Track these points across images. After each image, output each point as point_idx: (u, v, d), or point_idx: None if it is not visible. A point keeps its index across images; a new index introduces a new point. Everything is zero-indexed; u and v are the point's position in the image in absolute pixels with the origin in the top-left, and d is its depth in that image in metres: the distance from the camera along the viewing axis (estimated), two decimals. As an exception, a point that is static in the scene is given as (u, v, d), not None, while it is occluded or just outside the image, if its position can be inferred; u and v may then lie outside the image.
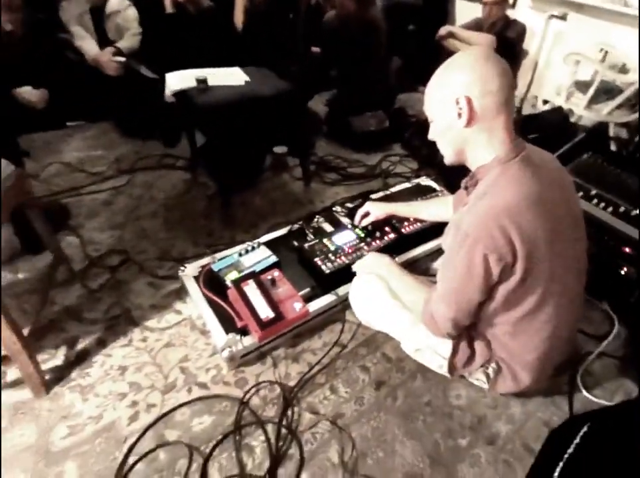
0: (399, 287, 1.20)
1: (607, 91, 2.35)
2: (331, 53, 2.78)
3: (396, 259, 1.47)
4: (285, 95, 1.80)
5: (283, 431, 1.10)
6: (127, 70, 2.52)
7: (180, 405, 1.15)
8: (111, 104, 2.51)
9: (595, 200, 1.60)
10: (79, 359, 1.26)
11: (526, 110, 3.02)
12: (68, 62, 2.55)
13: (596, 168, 1.74)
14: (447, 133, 0.97)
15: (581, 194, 1.62)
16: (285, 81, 1.85)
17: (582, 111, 2.35)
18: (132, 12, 2.65)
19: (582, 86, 2.45)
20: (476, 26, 2.87)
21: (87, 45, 2.48)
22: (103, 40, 2.56)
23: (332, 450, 1.08)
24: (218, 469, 1.03)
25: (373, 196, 1.96)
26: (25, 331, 1.13)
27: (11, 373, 1.20)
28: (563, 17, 2.82)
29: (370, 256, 1.36)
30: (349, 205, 1.89)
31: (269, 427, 1.11)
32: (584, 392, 1.24)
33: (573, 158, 1.80)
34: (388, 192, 2.00)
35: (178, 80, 1.71)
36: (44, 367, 1.20)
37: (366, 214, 1.60)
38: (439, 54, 2.93)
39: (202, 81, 1.67)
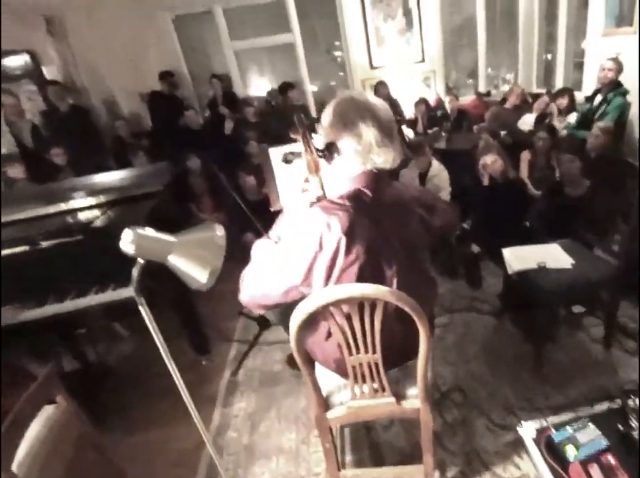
0: None
1: None
2: None
3: None
4: (611, 276, 1.95)
5: None
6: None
7: None
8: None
9: None
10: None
11: None
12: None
13: None
14: None
15: None
16: (607, 260, 2.00)
17: None
18: (446, 175, 3.26)
19: None
20: None
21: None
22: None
23: None
24: None
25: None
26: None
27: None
28: None
29: None
30: (668, 391, 1.83)
31: None
32: None
33: None
34: None
35: (519, 261, 2.06)
36: None
37: None
38: None
39: (541, 266, 1.98)
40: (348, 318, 1.15)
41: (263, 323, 2.59)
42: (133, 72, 4.71)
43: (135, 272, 0.81)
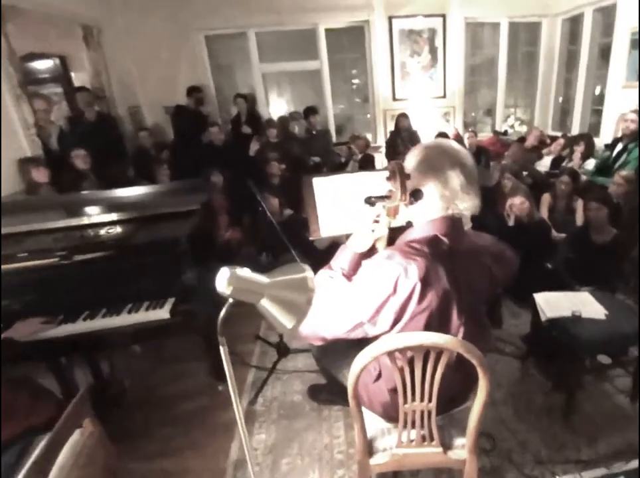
0: None
1: None
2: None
3: None
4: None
5: None
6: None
7: None
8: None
9: None
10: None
11: None
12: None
13: None
14: None
15: None
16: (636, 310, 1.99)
17: None
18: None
19: None
20: None
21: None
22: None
23: None
24: None
25: None
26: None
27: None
28: None
29: None
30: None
31: None
32: None
33: None
34: None
35: (552, 308, 2.04)
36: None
37: None
38: None
39: (576, 315, 1.96)
40: (410, 364, 1.12)
41: (283, 350, 2.54)
42: (163, 85, 4.78)
43: (223, 313, 0.78)
